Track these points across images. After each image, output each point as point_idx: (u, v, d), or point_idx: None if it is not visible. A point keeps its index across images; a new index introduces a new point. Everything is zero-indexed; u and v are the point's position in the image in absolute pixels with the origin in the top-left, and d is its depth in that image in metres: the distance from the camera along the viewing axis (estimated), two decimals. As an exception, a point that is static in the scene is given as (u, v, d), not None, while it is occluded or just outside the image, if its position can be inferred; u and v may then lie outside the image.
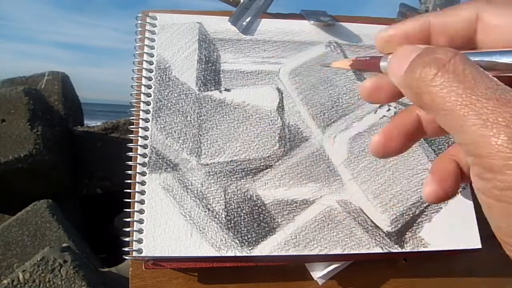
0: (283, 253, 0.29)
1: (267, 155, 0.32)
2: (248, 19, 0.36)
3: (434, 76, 0.14)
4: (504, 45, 0.16)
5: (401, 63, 0.17)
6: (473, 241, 0.31)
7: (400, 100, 0.35)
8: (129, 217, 0.29)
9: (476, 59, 0.16)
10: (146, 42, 0.34)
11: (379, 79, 0.20)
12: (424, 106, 0.15)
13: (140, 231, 0.29)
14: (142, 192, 0.30)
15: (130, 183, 0.30)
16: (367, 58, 0.20)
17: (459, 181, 0.19)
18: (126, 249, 0.28)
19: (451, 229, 0.31)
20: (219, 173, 0.31)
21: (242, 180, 0.31)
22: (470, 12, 0.17)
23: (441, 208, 0.32)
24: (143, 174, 0.30)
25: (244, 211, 0.30)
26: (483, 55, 0.16)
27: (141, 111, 0.32)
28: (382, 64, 0.19)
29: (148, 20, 0.35)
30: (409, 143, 0.20)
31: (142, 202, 0.29)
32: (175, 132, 0.32)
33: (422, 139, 0.34)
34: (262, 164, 0.32)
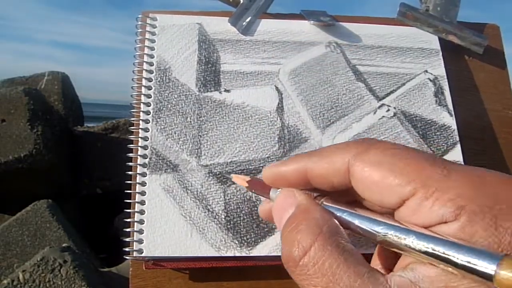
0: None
1: (267, 156, 0.32)
2: (248, 20, 0.36)
3: (297, 264, 0.15)
4: (378, 203, 0.17)
5: (280, 220, 0.18)
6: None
7: (399, 101, 0.35)
8: (129, 217, 0.29)
9: (355, 222, 0.17)
10: (146, 43, 0.34)
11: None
12: (295, 282, 0.16)
13: (140, 231, 0.29)
14: (143, 193, 0.30)
15: (130, 183, 0.30)
16: (261, 183, 0.22)
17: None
18: (126, 249, 0.28)
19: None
20: (218, 174, 0.31)
21: (242, 181, 0.31)
22: (342, 163, 0.17)
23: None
24: (143, 174, 0.30)
25: (243, 212, 0.30)
26: (363, 220, 0.17)
27: (141, 112, 0.32)
28: (271, 195, 0.20)
29: (148, 21, 0.35)
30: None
31: (142, 202, 0.29)
32: (175, 133, 0.32)
33: (420, 139, 0.34)
34: (261, 165, 0.32)
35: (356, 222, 0.17)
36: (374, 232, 0.16)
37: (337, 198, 0.19)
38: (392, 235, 0.15)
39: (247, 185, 0.22)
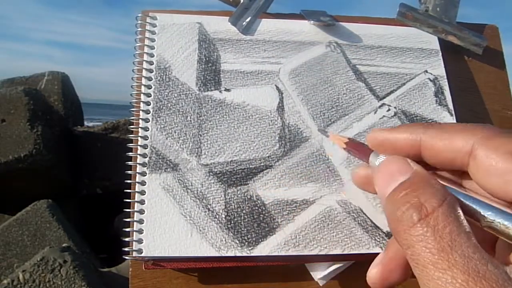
0: (283, 253, 0.29)
1: (267, 155, 0.32)
2: (248, 19, 0.36)
3: (413, 225, 0.15)
4: (494, 192, 0.16)
5: (386, 183, 0.17)
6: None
7: (399, 101, 0.35)
8: (129, 217, 0.29)
9: (466, 202, 0.16)
10: (146, 42, 0.34)
11: (371, 171, 0.20)
12: (400, 243, 0.15)
13: (140, 231, 0.29)
14: (142, 192, 0.30)
15: (130, 183, 0.30)
16: (360, 146, 0.20)
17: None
18: (126, 249, 0.28)
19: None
20: (219, 173, 0.31)
21: (242, 180, 0.31)
22: (465, 144, 0.16)
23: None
24: (143, 174, 0.30)
25: (244, 211, 0.30)
26: (473, 201, 0.16)
27: (141, 111, 0.32)
28: (372, 160, 0.19)
29: (148, 20, 0.35)
30: (408, 272, 0.18)
31: (142, 202, 0.29)
32: (175, 132, 0.32)
33: (422, 139, 0.34)
34: (262, 164, 0.32)
35: (464, 199, 0.16)
36: (482, 213, 0.15)
37: (443, 175, 0.18)
38: (503, 222, 0.14)
39: (345, 145, 0.21)
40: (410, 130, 0.18)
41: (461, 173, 0.18)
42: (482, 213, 0.15)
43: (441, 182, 0.17)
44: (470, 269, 0.13)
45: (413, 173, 0.17)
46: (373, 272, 0.19)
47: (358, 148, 0.21)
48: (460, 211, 0.15)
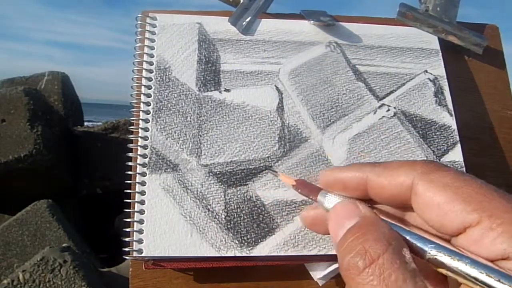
0: (282, 253, 0.29)
1: (267, 155, 0.32)
2: (248, 19, 0.36)
3: (360, 272, 0.15)
4: (436, 226, 0.16)
5: (338, 228, 0.17)
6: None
7: (399, 101, 0.35)
8: (129, 217, 0.29)
9: (410, 239, 0.16)
10: (146, 42, 0.34)
11: (320, 212, 0.20)
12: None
13: (140, 231, 0.29)
14: (142, 193, 0.30)
15: (130, 183, 0.30)
16: (309, 185, 0.21)
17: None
18: (126, 249, 0.28)
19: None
20: (219, 173, 0.31)
21: (241, 181, 0.31)
22: (406, 179, 0.17)
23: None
24: (143, 174, 0.30)
25: (243, 212, 0.30)
26: (416, 238, 0.16)
27: (141, 111, 0.32)
28: (320, 199, 0.20)
29: (148, 20, 0.35)
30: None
31: (142, 202, 0.29)
32: (175, 132, 0.32)
33: (420, 139, 0.34)
34: (262, 164, 0.32)
35: (408, 237, 0.16)
36: (424, 249, 0.16)
37: (388, 211, 0.18)
38: (445, 255, 0.15)
39: (294, 184, 0.22)
40: (357, 169, 0.19)
41: (406, 208, 0.18)
42: (424, 249, 0.16)
43: (388, 220, 0.17)
44: None
45: (361, 217, 0.17)
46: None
47: (306, 188, 0.21)
48: (406, 253, 0.15)
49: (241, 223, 0.30)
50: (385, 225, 0.17)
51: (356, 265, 0.15)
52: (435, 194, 0.16)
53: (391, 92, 0.35)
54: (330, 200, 0.19)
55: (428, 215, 0.16)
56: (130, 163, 0.30)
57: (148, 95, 0.33)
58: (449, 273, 0.15)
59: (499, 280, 0.13)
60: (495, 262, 0.14)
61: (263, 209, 0.30)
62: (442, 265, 0.15)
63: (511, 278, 0.13)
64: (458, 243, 0.16)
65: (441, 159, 0.33)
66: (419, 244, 0.16)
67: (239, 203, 0.30)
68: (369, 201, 0.19)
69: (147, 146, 0.31)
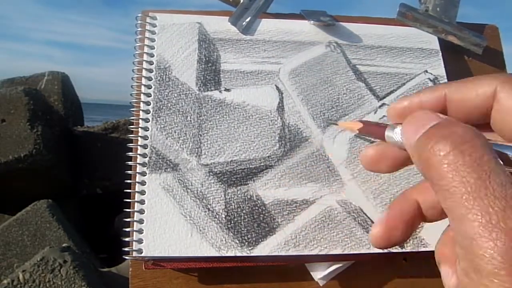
0: (283, 253, 0.29)
1: (267, 155, 0.32)
2: (248, 19, 0.36)
3: (447, 153, 0.14)
4: None
5: (417, 128, 0.16)
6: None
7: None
8: (129, 217, 0.29)
9: (496, 149, 0.15)
10: (146, 42, 0.34)
11: (382, 149, 0.19)
12: (430, 180, 0.15)
13: (140, 231, 0.29)
14: (142, 192, 0.30)
15: (130, 183, 0.30)
16: (375, 123, 0.20)
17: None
18: (126, 249, 0.28)
19: (451, 229, 0.31)
20: (219, 173, 0.31)
21: (242, 180, 0.31)
22: (488, 88, 0.17)
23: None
24: (143, 174, 0.30)
25: (244, 211, 0.30)
26: (505, 148, 0.16)
27: (141, 111, 0.32)
28: (388, 134, 0.18)
29: (148, 20, 0.35)
30: (411, 231, 0.18)
31: (142, 202, 0.29)
32: (175, 132, 0.32)
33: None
34: (262, 164, 0.32)
35: (496, 147, 0.15)
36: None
37: None
38: None
39: (358, 128, 0.21)
40: (431, 90, 0.18)
41: (484, 127, 0.17)
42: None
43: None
44: (508, 196, 0.12)
45: (443, 119, 0.16)
46: (376, 231, 0.18)
47: (373, 128, 0.20)
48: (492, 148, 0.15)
49: (242, 223, 0.30)
50: (470, 126, 0.16)
51: (443, 146, 0.14)
52: None
53: (392, 91, 0.35)
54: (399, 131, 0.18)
55: (507, 123, 0.16)
56: (130, 163, 0.30)
57: (148, 95, 0.33)
58: None
59: None
60: None
61: (264, 208, 0.30)
62: None
63: None
64: None
65: (441, 159, 0.33)
66: (505, 150, 0.15)
67: (240, 203, 0.30)
68: None
69: (147, 146, 0.31)
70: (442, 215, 0.17)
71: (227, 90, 0.34)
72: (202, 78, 0.34)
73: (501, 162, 0.14)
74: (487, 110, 0.17)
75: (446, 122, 0.16)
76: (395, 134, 0.18)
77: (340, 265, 0.31)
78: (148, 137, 0.31)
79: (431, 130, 0.15)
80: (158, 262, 0.29)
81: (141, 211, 0.29)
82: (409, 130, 0.17)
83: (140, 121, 0.32)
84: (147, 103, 0.32)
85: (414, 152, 0.16)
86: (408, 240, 0.31)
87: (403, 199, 0.19)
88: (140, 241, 0.28)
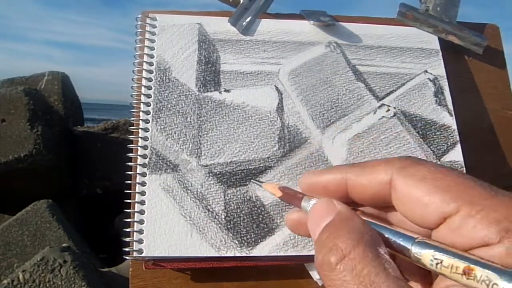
0: (282, 253, 0.29)
1: (267, 156, 0.32)
2: (248, 20, 0.36)
3: (333, 268, 0.15)
4: (417, 220, 0.16)
5: (315, 227, 0.17)
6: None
7: (399, 101, 0.35)
8: (129, 217, 0.29)
9: (385, 235, 0.16)
10: (146, 43, 0.34)
11: (303, 215, 0.20)
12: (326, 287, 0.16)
13: (140, 231, 0.29)
14: (142, 193, 0.30)
15: (130, 183, 0.30)
16: (293, 193, 0.21)
17: None
18: (126, 249, 0.28)
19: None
20: (219, 174, 0.31)
21: (241, 181, 0.31)
22: (384, 176, 0.17)
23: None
24: (143, 174, 0.30)
25: (243, 212, 0.30)
26: (392, 234, 0.16)
27: (141, 112, 0.32)
28: (304, 204, 0.20)
29: (148, 21, 0.35)
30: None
31: (142, 202, 0.29)
32: (175, 133, 0.32)
33: (420, 139, 0.34)
34: (261, 165, 0.32)
35: (387, 234, 0.16)
36: (404, 244, 0.16)
37: (371, 213, 0.19)
38: (426, 248, 0.15)
39: (279, 194, 0.22)
40: (336, 171, 0.19)
41: (388, 208, 0.18)
42: (403, 244, 0.16)
43: (366, 218, 0.17)
44: None
45: (336, 214, 0.17)
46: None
47: (291, 195, 0.22)
48: (381, 247, 0.16)
49: (241, 223, 0.30)
50: (360, 220, 0.17)
51: (329, 261, 0.15)
52: (413, 187, 0.16)
53: (391, 92, 0.35)
54: (312, 204, 0.19)
55: (408, 210, 0.16)
56: (130, 163, 0.31)
57: (148, 96, 0.33)
58: (435, 271, 0.15)
59: (486, 277, 0.13)
60: (476, 250, 0.14)
61: (263, 209, 0.30)
62: (423, 259, 0.15)
63: (494, 269, 0.13)
64: (439, 235, 0.16)
65: (441, 159, 0.33)
66: (398, 240, 0.16)
67: (239, 203, 0.30)
68: (351, 204, 0.19)
69: (147, 146, 0.31)
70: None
71: (227, 91, 0.34)
72: (202, 79, 0.34)
73: (385, 265, 0.15)
74: (387, 197, 0.17)
75: (336, 221, 0.17)
76: (309, 206, 0.19)
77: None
78: (148, 137, 0.31)
79: (322, 234, 0.17)
80: (158, 262, 0.29)
81: (141, 212, 0.29)
82: (311, 226, 0.18)
83: (140, 121, 0.32)
84: (147, 104, 0.32)
85: (315, 253, 0.17)
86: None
87: None
88: (140, 241, 0.28)
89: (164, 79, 0.33)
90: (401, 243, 0.16)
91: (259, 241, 0.29)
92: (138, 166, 0.30)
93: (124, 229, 0.29)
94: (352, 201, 0.19)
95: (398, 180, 0.17)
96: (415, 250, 0.15)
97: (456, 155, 0.34)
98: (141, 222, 0.29)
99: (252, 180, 0.30)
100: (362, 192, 0.18)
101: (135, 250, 0.28)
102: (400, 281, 0.14)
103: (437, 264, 0.14)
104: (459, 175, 0.16)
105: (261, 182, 0.25)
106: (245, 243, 0.29)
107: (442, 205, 0.15)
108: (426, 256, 0.15)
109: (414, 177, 0.16)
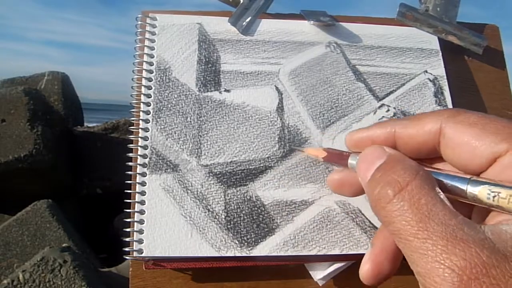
0: (282, 253, 0.29)
1: (267, 156, 0.32)
2: (248, 20, 0.36)
3: (390, 200, 0.15)
4: (465, 165, 0.17)
5: (366, 169, 0.18)
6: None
7: (399, 101, 0.35)
8: (129, 217, 0.29)
9: (438, 178, 0.17)
10: (146, 42, 0.34)
11: (347, 174, 0.21)
12: (382, 222, 0.16)
13: (140, 231, 0.29)
14: (142, 193, 0.30)
15: (130, 183, 0.30)
16: (338, 152, 0.21)
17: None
18: (126, 249, 0.28)
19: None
20: (219, 174, 0.31)
21: (241, 181, 0.31)
22: (433, 125, 0.18)
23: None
24: (143, 174, 0.30)
25: (243, 212, 0.30)
26: (445, 177, 0.17)
27: (141, 112, 0.32)
28: (350, 161, 0.20)
29: (148, 20, 0.35)
30: (398, 263, 0.19)
31: (142, 202, 0.29)
32: (175, 133, 0.32)
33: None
34: (261, 165, 0.32)
35: (443, 178, 0.17)
36: (462, 187, 0.16)
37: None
38: (485, 189, 0.15)
39: (323, 157, 0.22)
40: (383, 125, 0.20)
41: (433, 160, 0.19)
42: (462, 187, 0.16)
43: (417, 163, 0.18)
44: (448, 234, 0.14)
45: (388, 156, 0.18)
46: (365, 269, 0.19)
47: (336, 156, 0.22)
48: (434, 183, 0.16)
49: (241, 223, 0.30)
50: (413, 161, 0.17)
51: (386, 194, 0.16)
52: (463, 132, 0.17)
53: (391, 92, 0.35)
54: None
55: (457, 155, 0.17)
56: (130, 163, 0.31)
57: (148, 95, 0.33)
58: (492, 208, 0.15)
59: None
60: None
61: (263, 209, 0.30)
62: (479, 195, 0.15)
63: None
64: (488, 177, 0.16)
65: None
66: (452, 182, 0.16)
67: (239, 203, 0.30)
68: None
69: (147, 146, 0.31)
70: None
71: (227, 91, 0.34)
72: (202, 79, 0.34)
73: (441, 197, 0.15)
74: (435, 145, 0.18)
75: (390, 161, 0.17)
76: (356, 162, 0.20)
77: (340, 265, 0.31)
78: (148, 137, 0.31)
79: (376, 173, 0.17)
80: (158, 262, 0.29)
81: (142, 212, 0.29)
82: (361, 169, 0.18)
83: (140, 121, 0.32)
84: (147, 104, 0.32)
85: (367, 194, 0.17)
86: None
87: (382, 234, 0.19)
88: (140, 241, 0.28)
89: (164, 79, 0.33)
90: (456, 183, 0.16)
91: (259, 241, 0.29)
92: (138, 166, 0.30)
93: (124, 229, 0.29)
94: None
95: (447, 127, 0.17)
96: (470, 188, 0.16)
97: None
98: (141, 222, 0.29)
99: (293, 146, 0.30)
100: (410, 143, 0.18)
101: (135, 250, 0.28)
102: (455, 212, 0.14)
103: (494, 197, 0.15)
104: (507, 121, 0.16)
105: (303, 147, 0.25)
106: (245, 243, 0.29)
107: (492, 146, 0.15)
108: (482, 191, 0.15)
109: (463, 123, 0.17)
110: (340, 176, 0.21)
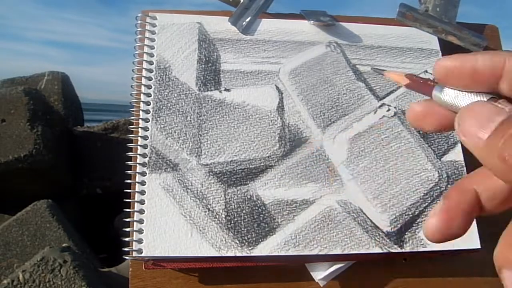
0: (283, 253, 0.29)
1: (267, 155, 0.32)
2: (248, 19, 0.36)
3: None
4: None
5: (481, 125, 0.15)
6: (472, 241, 0.31)
7: (399, 101, 0.35)
8: (129, 217, 0.29)
9: None
10: (146, 42, 0.34)
11: (429, 106, 0.18)
12: (510, 182, 0.14)
13: (140, 231, 0.29)
14: (142, 192, 0.30)
15: (130, 183, 0.30)
16: (423, 80, 0.19)
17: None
18: (126, 249, 0.28)
19: (451, 229, 0.31)
20: (219, 173, 0.31)
21: (242, 180, 0.31)
22: (500, 59, 0.15)
23: (440, 208, 0.32)
24: (143, 174, 0.30)
25: (244, 211, 0.30)
26: None
27: (141, 111, 0.32)
28: (436, 93, 0.18)
29: (148, 20, 0.35)
30: (469, 224, 0.17)
31: (142, 202, 0.29)
32: (175, 132, 0.32)
33: (421, 139, 0.34)
34: (262, 164, 0.32)
35: None
36: None
37: None
38: None
39: (406, 82, 0.20)
40: (491, 54, 0.16)
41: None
42: None
43: None
44: None
45: (509, 113, 0.15)
46: (433, 222, 0.16)
47: (420, 84, 0.20)
48: None
49: (242, 223, 0.30)
50: None
51: None
52: None
53: (391, 92, 0.35)
54: (449, 94, 0.17)
55: None
56: (130, 163, 0.30)
57: (148, 95, 0.33)
58: None
59: None
60: None
61: (264, 208, 0.30)
62: None
63: None
64: None
65: (442, 159, 0.33)
66: None
67: (240, 203, 0.30)
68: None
69: (147, 146, 0.31)
70: (502, 206, 0.16)
71: (227, 90, 0.34)
72: (202, 78, 0.34)
73: None
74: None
75: None
76: (443, 95, 0.17)
77: (341, 265, 0.31)
78: (148, 137, 0.31)
79: (502, 131, 0.14)
80: (158, 262, 0.29)
81: (141, 211, 0.29)
82: (471, 125, 0.15)
83: (140, 121, 0.32)
84: (147, 103, 0.32)
85: (483, 153, 0.15)
86: (407, 240, 0.31)
87: (461, 189, 0.17)
88: (140, 241, 0.28)
89: (164, 78, 0.33)
90: None
91: (260, 240, 0.29)
92: (138, 165, 0.30)
93: (124, 229, 0.29)
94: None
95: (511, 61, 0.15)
96: None
97: (456, 155, 0.34)
98: (140, 221, 0.29)
99: (373, 68, 0.29)
100: (489, 78, 0.15)
101: (135, 250, 0.28)
102: None
103: None
104: None
105: (383, 70, 0.23)
106: (246, 243, 0.29)
107: None
108: None
109: None
110: (423, 107, 0.18)
